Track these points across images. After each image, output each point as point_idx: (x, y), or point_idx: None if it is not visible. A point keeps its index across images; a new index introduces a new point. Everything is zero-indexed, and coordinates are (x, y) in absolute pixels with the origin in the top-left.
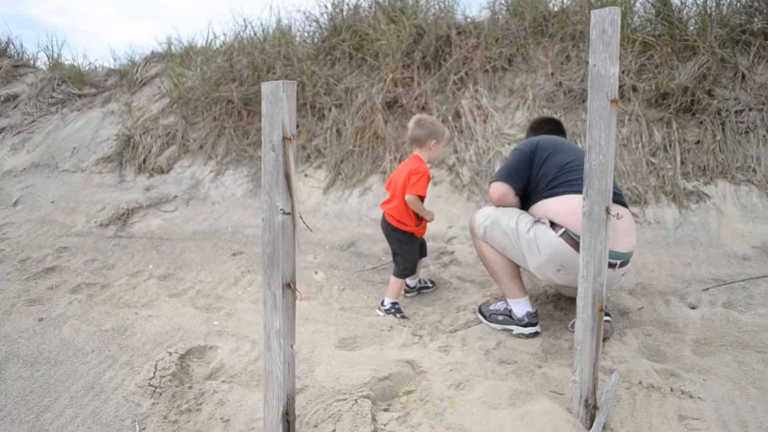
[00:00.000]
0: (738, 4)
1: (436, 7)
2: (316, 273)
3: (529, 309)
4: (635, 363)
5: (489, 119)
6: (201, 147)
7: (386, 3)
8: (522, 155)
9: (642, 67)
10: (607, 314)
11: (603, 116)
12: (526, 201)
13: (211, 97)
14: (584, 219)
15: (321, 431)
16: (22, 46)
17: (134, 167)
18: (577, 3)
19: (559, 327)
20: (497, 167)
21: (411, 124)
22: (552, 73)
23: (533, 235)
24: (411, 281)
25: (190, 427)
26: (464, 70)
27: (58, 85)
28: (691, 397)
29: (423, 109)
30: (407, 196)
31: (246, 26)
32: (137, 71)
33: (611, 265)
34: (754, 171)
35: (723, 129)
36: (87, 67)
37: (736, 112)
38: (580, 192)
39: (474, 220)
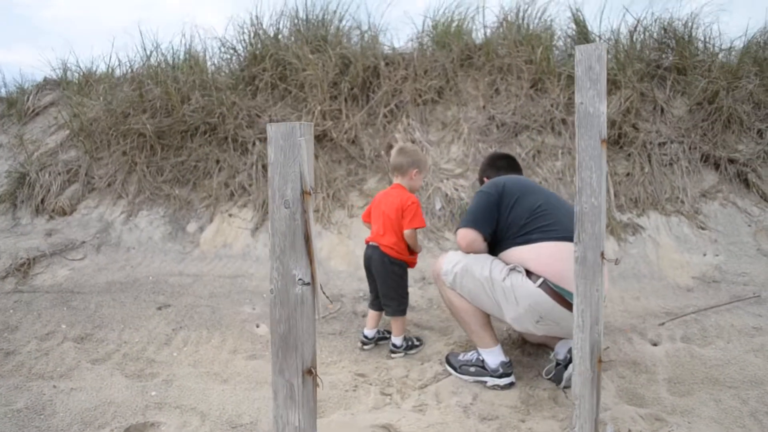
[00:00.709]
0: (651, 41)
1: (359, 36)
2: (257, 326)
3: (503, 358)
4: (618, 410)
5: (424, 153)
6: (109, 185)
7: (308, 32)
8: (489, 199)
9: (569, 101)
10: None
11: (593, 156)
12: (494, 246)
13: (119, 129)
14: (577, 265)
15: None
16: None
17: (31, 208)
18: (499, 36)
19: (532, 375)
20: (437, 204)
21: (393, 152)
22: (484, 106)
23: (509, 285)
24: (369, 331)
25: None
26: (394, 102)
27: None
28: None
29: (353, 143)
30: (408, 231)
31: (153, 52)
32: (28, 99)
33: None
34: (682, 202)
35: (650, 161)
36: None
37: (659, 144)
38: (554, 239)
39: (440, 266)
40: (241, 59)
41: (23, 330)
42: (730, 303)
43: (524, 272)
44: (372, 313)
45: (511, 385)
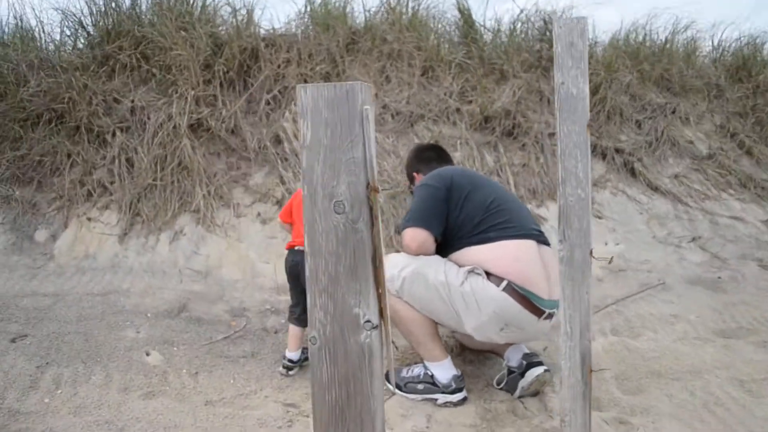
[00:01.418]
0: (531, 33)
1: (231, 14)
2: (147, 354)
3: (455, 372)
4: None
5: None
6: None
7: (171, 6)
8: (436, 194)
9: (462, 89)
10: (539, 362)
11: (578, 143)
12: (442, 247)
13: None
14: (563, 266)
15: None
16: None
17: None
18: (383, 21)
19: (481, 386)
20: None
21: None
22: (376, 94)
23: (469, 289)
24: (293, 353)
25: None
26: (277, 88)
27: None
28: None
29: (233, 133)
30: None
31: None
32: None
33: (539, 313)
34: None
35: (543, 151)
36: None
37: (549, 135)
38: (513, 236)
39: None
40: (91, 36)
41: None
42: (642, 291)
43: (484, 275)
44: (295, 331)
45: (464, 400)
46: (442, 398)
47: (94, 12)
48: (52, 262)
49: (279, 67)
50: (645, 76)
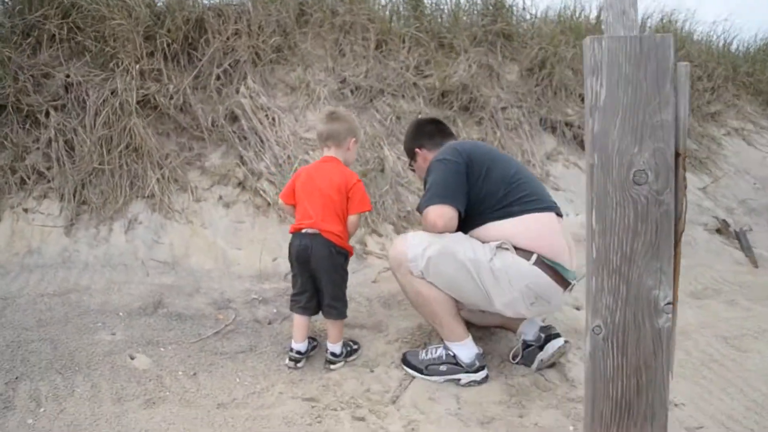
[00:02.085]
0: (476, 7)
1: None
2: (132, 358)
3: (477, 350)
4: None
5: (278, 122)
6: None
7: None
8: (457, 169)
9: (418, 64)
10: (557, 334)
11: None
12: (463, 223)
13: None
14: None
15: None
16: None
17: None
18: None
19: (496, 362)
20: None
21: (322, 117)
22: (333, 68)
23: (500, 265)
24: (300, 344)
25: None
26: (228, 62)
27: None
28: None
29: (182, 110)
30: (354, 217)
31: None
32: None
33: (566, 285)
34: (534, 165)
35: (497, 126)
36: None
37: (502, 109)
38: (536, 210)
39: (402, 251)
40: (6, 3)
41: None
42: None
43: (512, 249)
44: (301, 320)
45: (486, 378)
46: (465, 378)
47: None
48: None
49: (228, 39)
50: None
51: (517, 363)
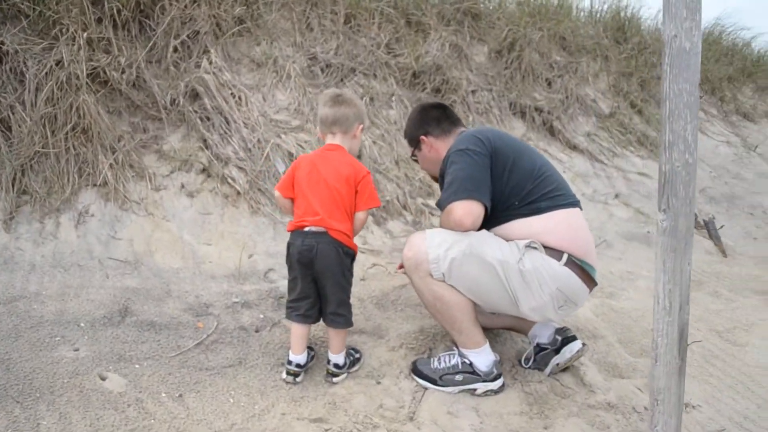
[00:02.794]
0: None
1: None
2: (102, 378)
3: (493, 357)
4: (618, 387)
5: (245, 101)
6: None
7: None
8: (482, 161)
9: (390, 42)
10: (574, 336)
11: (689, 104)
12: (484, 220)
13: None
14: (665, 237)
15: None
16: None
17: None
18: None
19: (507, 367)
20: (280, 165)
21: (326, 100)
22: (301, 43)
23: (530, 267)
24: (299, 357)
25: None
26: (186, 33)
27: None
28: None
29: (136, 86)
30: (362, 214)
31: None
32: None
33: (593, 285)
34: None
35: (469, 109)
36: None
37: (472, 92)
38: (564, 206)
39: (421, 252)
40: None
41: None
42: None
43: (542, 249)
44: (300, 330)
45: (503, 386)
46: (482, 387)
47: None
48: None
49: (186, 8)
50: (548, 35)
51: (528, 367)
